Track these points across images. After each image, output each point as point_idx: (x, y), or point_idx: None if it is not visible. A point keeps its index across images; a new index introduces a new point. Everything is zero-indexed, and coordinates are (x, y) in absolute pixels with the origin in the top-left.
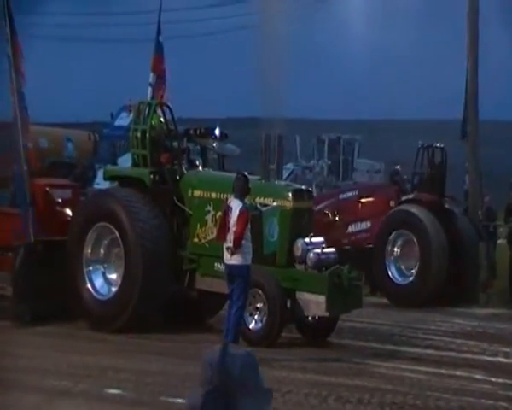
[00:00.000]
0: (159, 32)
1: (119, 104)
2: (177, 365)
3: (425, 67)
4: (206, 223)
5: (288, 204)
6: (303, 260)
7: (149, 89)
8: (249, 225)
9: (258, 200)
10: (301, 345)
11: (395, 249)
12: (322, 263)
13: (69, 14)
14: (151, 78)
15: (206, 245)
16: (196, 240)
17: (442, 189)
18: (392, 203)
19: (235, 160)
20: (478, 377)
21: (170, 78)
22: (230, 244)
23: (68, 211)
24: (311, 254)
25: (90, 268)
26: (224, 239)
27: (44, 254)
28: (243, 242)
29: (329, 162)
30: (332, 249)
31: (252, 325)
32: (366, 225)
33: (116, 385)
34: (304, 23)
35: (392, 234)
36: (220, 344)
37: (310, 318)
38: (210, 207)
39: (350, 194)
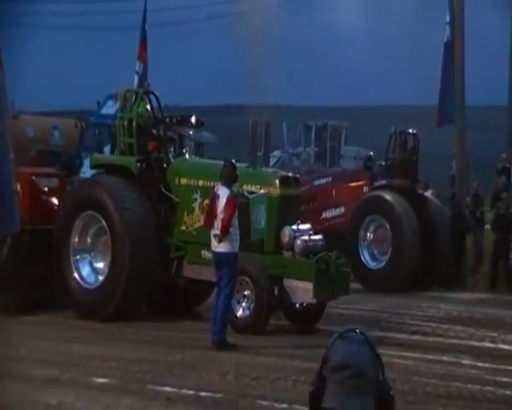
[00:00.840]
0: (144, 21)
1: (106, 92)
2: (164, 353)
3: (413, 53)
4: (193, 210)
5: (275, 191)
6: (290, 247)
7: (135, 77)
8: (236, 213)
9: (245, 187)
10: (289, 332)
11: (368, 234)
12: (309, 250)
13: (52, 2)
14: (137, 66)
15: (193, 233)
16: (183, 228)
17: (414, 174)
18: (365, 189)
19: (219, 147)
20: (465, 362)
21: (155, 65)
22: (218, 231)
23: (55, 200)
24: (299, 241)
25: (77, 257)
26: (212, 226)
27: (31, 244)
28: (231, 229)
29: (316, 149)
30: (319, 236)
31: (239, 313)
32: (340, 210)
33: (103, 374)
34: (292, 10)
35: (365, 219)
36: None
37: (297, 305)
38: (197, 195)
39: (324, 180)
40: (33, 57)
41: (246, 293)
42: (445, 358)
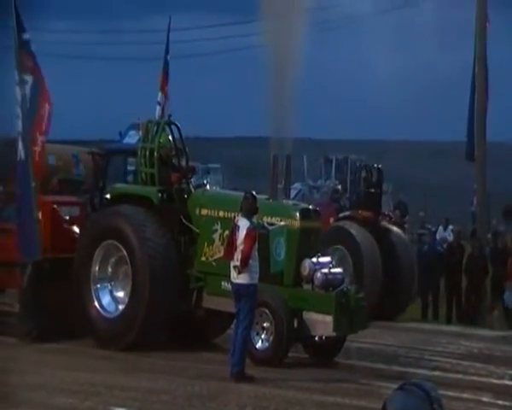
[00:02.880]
0: (167, 51)
1: (127, 122)
2: (182, 384)
3: (435, 89)
4: (214, 241)
5: (296, 223)
6: (310, 280)
7: (157, 107)
8: (256, 245)
9: (265, 219)
10: (308, 365)
11: None
12: (329, 283)
13: (77, 31)
14: (159, 96)
15: (214, 264)
16: (203, 258)
17: (378, 206)
18: (331, 220)
19: (237, 178)
20: (485, 399)
21: (176, 96)
22: (238, 263)
23: (76, 228)
24: (319, 274)
25: (98, 286)
26: (232, 258)
27: (51, 272)
28: (250, 261)
29: (337, 182)
30: (339, 269)
31: (258, 345)
32: None
33: (122, 403)
34: (314, 43)
35: (328, 250)
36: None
37: (317, 338)
38: (217, 226)
39: None
40: (54, 86)
41: (265, 325)
42: (464, 395)
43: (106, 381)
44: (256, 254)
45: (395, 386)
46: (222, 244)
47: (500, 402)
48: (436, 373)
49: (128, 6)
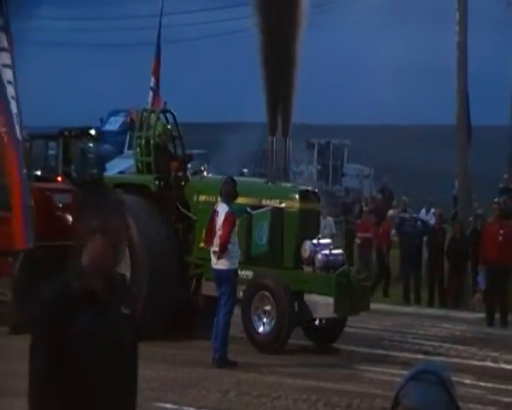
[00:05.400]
0: (159, 37)
1: (109, 109)
2: (164, 370)
3: (419, 73)
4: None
5: (295, 205)
6: (311, 262)
7: (150, 93)
8: (236, 229)
9: (264, 202)
10: (290, 351)
11: None
12: (330, 264)
13: (63, 18)
14: (152, 81)
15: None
16: (202, 245)
17: None
18: None
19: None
20: (467, 381)
21: (166, 81)
22: (217, 248)
23: (69, 216)
24: (319, 256)
25: None
26: (211, 243)
27: (45, 260)
28: (229, 246)
29: (319, 167)
30: (340, 251)
31: (260, 329)
32: None
33: None
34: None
35: None
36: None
37: (317, 322)
38: None
39: None
40: (38, 74)
41: (266, 308)
42: None
43: None
44: (235, 238)
45: (377, 370)
46: (220, 230)
47: (482, 384)
48: (419, 356)
49: None
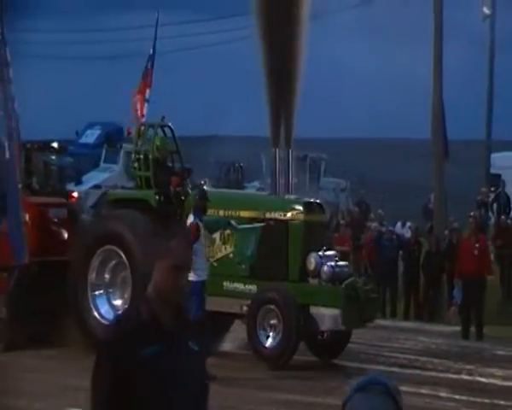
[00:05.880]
0: (154, 48)
1: (87, 121)
2: None
3: (396, 87)
4: (214, 242)
5: (300, 217)
6: (317, 274)
7: (145, 104)
8: (203, 241)
9: (268, 215)
10: (263, 364)
11: None
12: (336, 276)
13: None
14: (147, 94)
15: (215, 264)
16: None
17: None
18: None
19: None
20: (442, 394)
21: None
22: None
23: (64, 231)
24: (325, 268)
25: (96, 293)
26: None
27: (40, 275)
28: (194, 257)
29: (296, 180)
30: (345, 262)
31: (268, 343)
32: None
33: (76, 404)
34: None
35: None
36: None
37: (324, 335)
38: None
39: None
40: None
41: (272, 322)
42: (422, 390)
43: (63, 382)
44: (203, 250)
45: (352, 383)
46: (223, 244)
47: (457, 397)
48: (394, 369)
49: (78, 4)
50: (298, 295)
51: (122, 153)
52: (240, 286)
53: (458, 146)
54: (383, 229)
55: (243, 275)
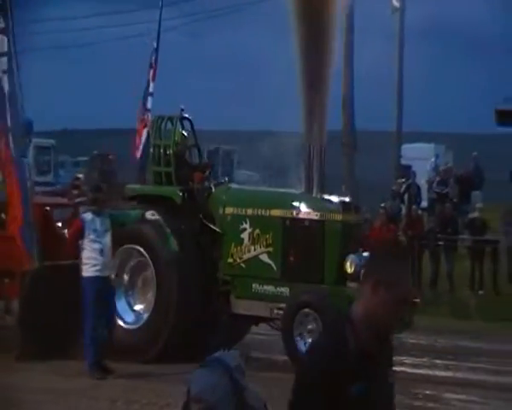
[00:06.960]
0: (158, 41)
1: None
2: (58, 381)
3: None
4: (242, 241)
5: (337, 218)
6: (357, 277)
7: (149, 98)
8: (91, 236)
9: (303, 215)
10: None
11: None
12: None
13: None
14: (151, 87)
15: (243, 265)
16: (231, 260)
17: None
18: None
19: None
20: None
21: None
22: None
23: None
24: None
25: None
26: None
27: (52, 280)
28: (82, 252)
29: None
30: None
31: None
32: None
33: None
34: (188, 36)
35: None
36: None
37: None
38: (246, 225)
39: None
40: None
41: (310, 327)
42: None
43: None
44: (92, 246)
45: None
46: (252, 244)
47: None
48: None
49: None
50: (334, 298)
51: (32, 147)
52: (270, 288)
53: (370, 137)
54: None
55: (274, 277)
